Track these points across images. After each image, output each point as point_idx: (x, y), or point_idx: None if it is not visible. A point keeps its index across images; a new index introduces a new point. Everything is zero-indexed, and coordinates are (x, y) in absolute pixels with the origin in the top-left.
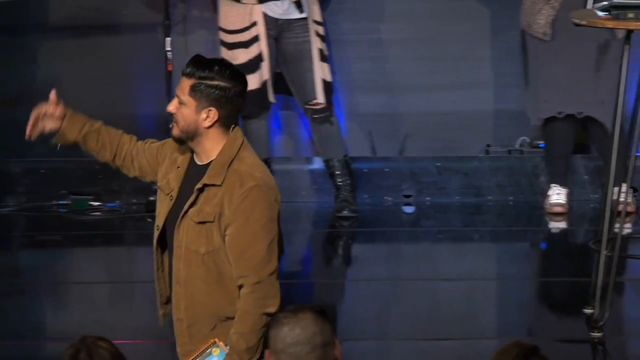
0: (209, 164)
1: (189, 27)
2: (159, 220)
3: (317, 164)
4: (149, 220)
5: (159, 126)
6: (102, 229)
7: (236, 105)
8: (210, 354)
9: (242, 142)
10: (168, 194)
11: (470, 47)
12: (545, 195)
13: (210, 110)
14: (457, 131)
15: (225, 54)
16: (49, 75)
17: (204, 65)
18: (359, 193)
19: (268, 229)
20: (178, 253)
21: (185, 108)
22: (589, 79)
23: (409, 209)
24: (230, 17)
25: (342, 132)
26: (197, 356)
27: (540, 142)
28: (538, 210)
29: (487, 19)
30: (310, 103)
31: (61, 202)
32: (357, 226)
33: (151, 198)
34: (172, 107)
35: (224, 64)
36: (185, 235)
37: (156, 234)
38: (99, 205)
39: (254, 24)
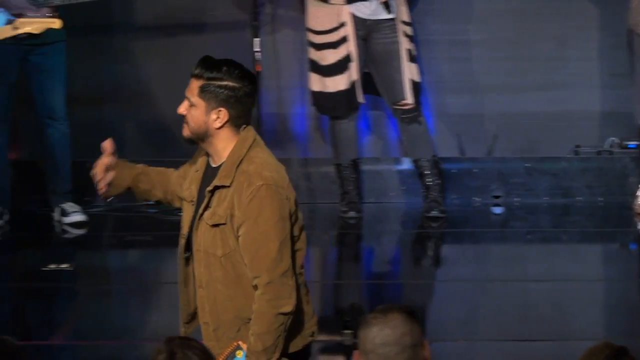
0: (221, 165)
1: (277, 28)
2: (185, 229)
3: (406, 164)
4: None
5: None
6: None
7: (246, 105)
8: (234, 356)
9: (253, 142)
10: (190, 202)
11: (559, 47)
12: (634, 196)
13: (220, 110)
14: (545, 132)
15: (314, 54)
16: (136, 75)
17: (213, 66)
18: (448, 194)
19: (279, 228)
20: (198, 257)
21: (195, 109)
22: None
23: (497, 210)
24: (318, 17)
25: (431, 133)
26: (224, 359)
27: (630, 142)
28: (627, 211)
29: (575, 18)
30: (399, 103)
31: (150, 202)
32: (446, 227)
33: None
34: (182, 108)
35: (232, 64)
36: (202, 238)
37: (181, 242)
38: None
39: (342, 25)
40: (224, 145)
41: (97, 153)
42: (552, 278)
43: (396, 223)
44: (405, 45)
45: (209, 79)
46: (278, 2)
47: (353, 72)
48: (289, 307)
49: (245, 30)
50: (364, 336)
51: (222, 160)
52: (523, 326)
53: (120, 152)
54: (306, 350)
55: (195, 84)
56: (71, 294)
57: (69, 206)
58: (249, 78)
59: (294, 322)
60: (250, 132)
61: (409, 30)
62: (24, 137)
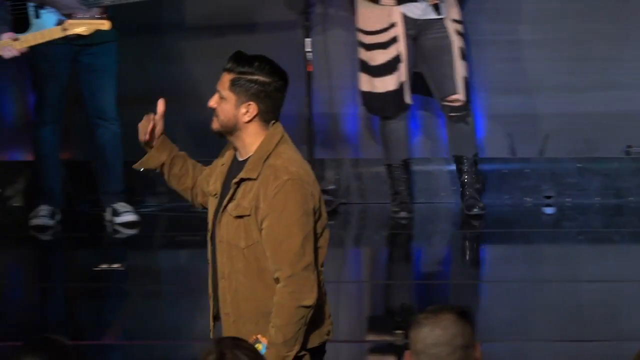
0: (248, 159)
1: (329, 28)
2: (210, 224)
3: None
4: None
5: (299, 127)
6: None
7: (276, 100)
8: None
9: (281, 138)
10: (214, 195)
11: (612, 47)
12: None
13: (249, 104)
14: (597, 132)
15: (364, 54)
16: (185, 75)
17: (244, 61)
18: (499, 194)
19: (303, 223)
20: (221, 248)
21: (226, 103)
22: None
23: (549, 210)
24: (368, 18)
25: (481, 133)
26: None
27: None
28: None
29: (630, 19)
30: (449, 99)
31: None
32: (497, 227)
33: None
34: (213, 102)
35: (264, 59)
36: (225, 230)
37: (209, 235)
38: None
39: (392, 25)
40: (252, 139)
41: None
42: (603, 278)
43: (447, 223)
44: (457, 42)
45: (240, 73)
46: (329, 2)
47: (402, 73)
48: (310, 301)
49: (297, 31)
50: (415, 336)
51: (249, 154)
52: (574, 326)
53: None
54: (322, 348)
55: (226, 78)
56: (122, 294)
57: (120, 206)
58: (280, 74)
59: (313, 319)
60: (278, 129)
61: (460, 28)
62: (75, 137)
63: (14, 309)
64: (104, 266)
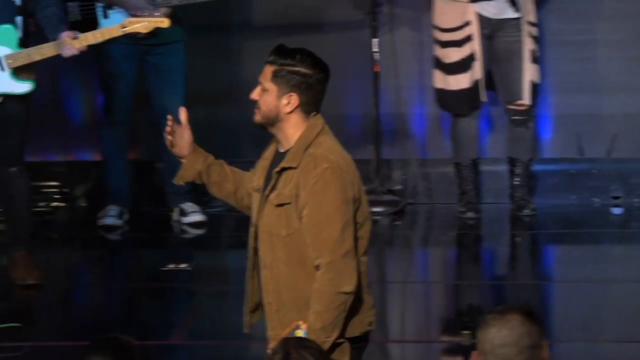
0: (289, 149)
1: (396, 28)
2: (254, 218)
3: None
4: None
5: (367, 127)
6: None
7: (317, 92)
8: (293, 335)
9: (322, 128)
10: (257, 190)
11: None
12: None
13: (291, 95)
14: None
15: (438, 51)
16: (252, 74)
17: (286, 53)
18: (567, 194)
19: (342, 211)
20: (263, 237)
21: (267, 94)
22: None
23: (617, 211)
24: (445, 15)
25: (549, 133)
26: None
27: None
28: None
29: None
30: (514, 103)
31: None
32: (565, 227)
33: None
34: (255, 94)
35: (305, 52)
36: (267, 219)
37: (251, 231)
38: None
39: (467, 24)
40: (293, 130)
41: (217, 154)
42: None
43: (515, 224)
44: (528, 45)
45: (282, 64)
46: (396, 2)
47: (476, 71)
48: (349, 287)
49: (364, 31)
50: (482, 337)
51: (290, 145)
52: None
53: (235, 152)
54: (364, 338)
55: (268, 70)
56: (189, 294)
57: (188, 206)
58: (321, 66)
59: (353, 308)
60: (319, 120)
61: (534, 31)
62: (142, 137)
63: (81, 309)
64: (171, 266)
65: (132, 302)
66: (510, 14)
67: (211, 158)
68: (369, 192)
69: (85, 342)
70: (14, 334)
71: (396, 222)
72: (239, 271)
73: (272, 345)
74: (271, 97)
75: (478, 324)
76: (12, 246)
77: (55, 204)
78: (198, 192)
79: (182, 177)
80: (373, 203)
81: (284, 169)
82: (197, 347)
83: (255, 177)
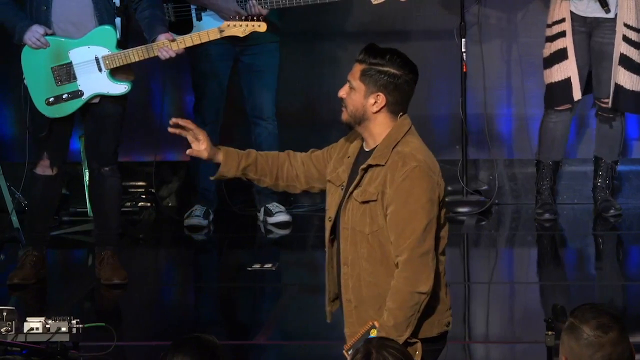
0: (375, 148)
1: (484, 29)
2: (331, 212)
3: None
4: None
5: (454, 128)
6: None
7: (405, 92)
8: (368, 335)
9: (409, 129)
10: (339, 186)
11: None
12: None
13: (378, 95)
14: None
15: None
16: (341, 79)
17: (376, 53)
18: None
19: (427, 210)
20: (345, 234)
21: (355, 93)
22: None
23: None
24: (550, 11)
25: (637, 133)
26: (359, 339)
27: None
28: None
29: None
30: (600, 99)
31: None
32: None
33: (445, 199)
34: (342, 92)
35: (395, 52)
36: (350, 216)
37: (328, 225)
38: None
39: (562, 20)
40: (380, 130)
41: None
42: None
43: (599, 224)
44: (620, 48)
45: (371, 64)
46: (485, 2)
47: (568, 67)
48: (425, 287)
49: (452, 31)
50: (580, 351)
51: (376, 144)
52: None
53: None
54: (441, 339)
55: (357, 68)
56: (275, 294)
57: (274, 206)
58: (410, 67)
59: (430, 308)
60: (407, 120)
61: (633, 35)
62: (231, 136)
63: (167, 309)
64: (257, 266)
65: (218, 301)
66: (599, 13)
67: (244, 161)
68: (455, 193)
69: (169, 342)
70: (100, 333)
71: (482, 222)
72: (324, 271)
73: (348, 344)
74: (358, 96)
75: (568, 328)
76: (100, 245)
77: (142, 203)
78: (284, 193)
79: (218, 177)
80: (459, 203)
81: (370, 166)
82: (282, 347)
83: (334, 174)
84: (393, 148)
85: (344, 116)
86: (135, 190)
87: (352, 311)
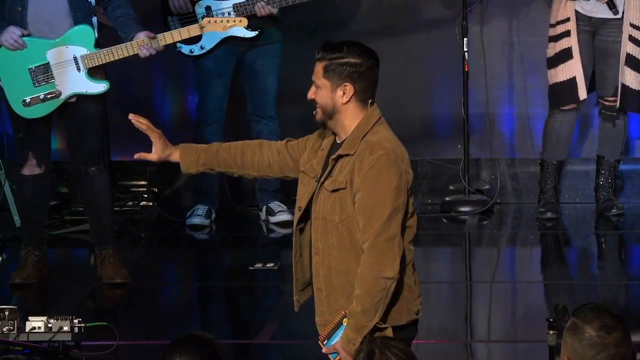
0: (346, 139)
1: (486, 28)
2: (302, 202)
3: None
4: (445, 220)
5: (455, 127)
6: None
7: (369, 79)
8: (340, 324)
9: (378, 119)
10: (313, 177)
11: None
12: None
13: (345, 85)
14: None
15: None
16: None
17: (334, 47)
18: None
19: (394, 197)
20: (316, 224)
21: (322, 91)
22: None
23: None
24: (552, 11)
25: (625, 138)
26: (332, 330)
27: None
28: None
29: None
30: (604, 98)
31: None
32: None
33: (447, 198)
34: (310, 93)
35: (352, 42)
36: (321, 205)
37: (297, 215)
38: None
39: (566, 20)
40: (350, 121)
41: None
42: None
43: (600, 223)
44: (627, 47)
45: (331, 59)
46: (487, 1)
47: (573, 67)
48: (390, 272)
49: (454, 30)
50: (583, 352)
51: (347, 135)
52: None
53: None
54: (411, 327)
55: (319, 67)
56: (276, 293)
57: (275, 205)
58: (369, 53)
59: (399, 296)
60: (376, 111)
61: (637, 34)
62: (233, 135)
63: (168, 308)
64: (259, 265)
65: (219, 301)
66: (606, 13)
67: (204, 156)
68: (457, 192)
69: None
70: (102, 332)
71: (484, 222)
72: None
73: (322, 335)
74: (326, 92)
75: (571, 329)
76: (100, 245)
77: (143, 203)
78: (286, 192)
79: (187, 175)
80: (461, 202)
81: (340, 156)
82: (284, 346)
83: (308, 165)
84: (362, 138)
85: (318, 116)
86: (136, 189)
87: (322, 300)
